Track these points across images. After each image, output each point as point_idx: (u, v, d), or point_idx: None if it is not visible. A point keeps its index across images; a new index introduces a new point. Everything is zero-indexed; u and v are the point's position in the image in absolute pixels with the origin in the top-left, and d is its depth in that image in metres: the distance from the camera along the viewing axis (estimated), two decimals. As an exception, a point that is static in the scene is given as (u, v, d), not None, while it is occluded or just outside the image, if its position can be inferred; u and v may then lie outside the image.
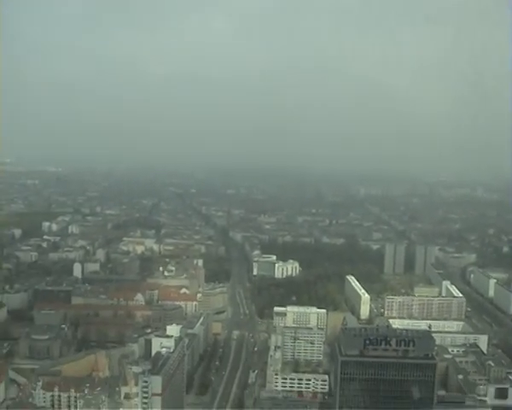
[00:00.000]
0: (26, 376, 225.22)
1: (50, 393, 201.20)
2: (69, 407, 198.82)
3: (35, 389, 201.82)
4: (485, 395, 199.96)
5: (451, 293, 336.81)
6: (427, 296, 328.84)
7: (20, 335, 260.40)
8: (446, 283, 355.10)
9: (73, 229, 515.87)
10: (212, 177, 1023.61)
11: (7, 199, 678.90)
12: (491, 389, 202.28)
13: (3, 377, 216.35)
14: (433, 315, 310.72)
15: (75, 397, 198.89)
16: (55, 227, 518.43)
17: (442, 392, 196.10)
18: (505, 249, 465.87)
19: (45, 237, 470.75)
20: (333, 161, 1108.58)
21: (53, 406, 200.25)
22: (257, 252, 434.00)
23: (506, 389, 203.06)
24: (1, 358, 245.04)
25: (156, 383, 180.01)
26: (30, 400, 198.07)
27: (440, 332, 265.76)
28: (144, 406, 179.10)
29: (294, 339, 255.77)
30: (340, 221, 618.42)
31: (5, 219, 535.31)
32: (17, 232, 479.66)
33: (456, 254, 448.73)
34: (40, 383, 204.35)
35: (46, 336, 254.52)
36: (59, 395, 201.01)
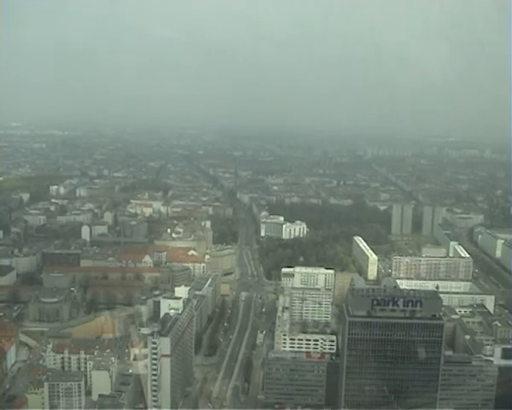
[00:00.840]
0: (36, 338, 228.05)
1: (60, 355, 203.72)
2: (79, 368, 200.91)
3: (45, 352, 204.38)
4: (492, 356, 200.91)
5: (459, 254, 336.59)
6: (434, 257, 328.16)
7: (30, 298, 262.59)
8: (454, 243, 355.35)
9: (81, 192, 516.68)
10: (220, 139, 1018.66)
11: (14, 163, 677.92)
12: (498, 350, 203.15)
13: (14, 340, 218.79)
14: (440, 276, 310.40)
15: (85, 359, 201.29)
16: (62, 191, 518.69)
17: (449, 352, 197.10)
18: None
19: (53, 200, 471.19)
20: (340, 122, 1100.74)
21: (63, 367, 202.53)
22: (264, 213, 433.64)
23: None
24: (11, 321, 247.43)
25: (165, 344, 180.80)
26: (40, 362, 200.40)
27: (448, 293, 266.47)
28: (153, 367, 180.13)
29: (302, 300, 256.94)
30: (348, 182, 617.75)
31: (13, 183, 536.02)
32: (25, 196, 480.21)
33: (464, 215, 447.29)
34: (50, 346, 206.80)
35: (55, 299, 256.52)
36: (69, 357, 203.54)
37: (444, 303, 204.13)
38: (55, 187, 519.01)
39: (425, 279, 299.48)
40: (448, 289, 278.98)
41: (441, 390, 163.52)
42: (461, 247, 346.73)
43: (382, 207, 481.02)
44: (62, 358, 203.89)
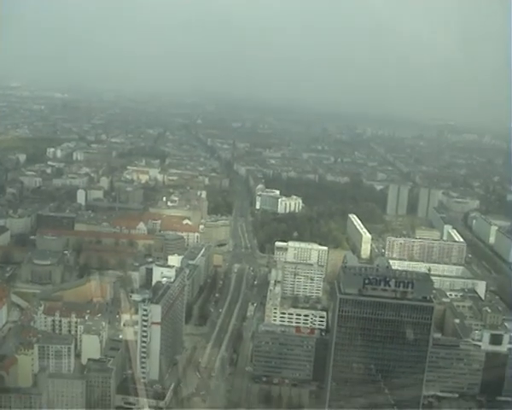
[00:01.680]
0: (27, 300, 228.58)
1: (51, 317, 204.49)
2: (70, 331, 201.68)
3: (36, 314, 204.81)
4: (480, 341, 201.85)
5: (452, 237, 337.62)
6: (428, 239, 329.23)
7: (23, 259, 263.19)
8: (448, 227, 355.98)
9: (78, 156, 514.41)
10: (220, 109, 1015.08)
11: (12, 123, 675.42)
12: (486, 335, 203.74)
13: (6, 301, 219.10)
14: (433, 258, 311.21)
15: (75, 323, 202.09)
16: (59, 153, 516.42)
17: (438, 335, 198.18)
18: (509, 197, 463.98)
19: (50, 163, 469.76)
20: (340, 100, 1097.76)
21: (54, 330, 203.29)
22: (260, 186, 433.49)
23: (501, 336, 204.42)
24: (3, 281, 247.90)
25: (156, 311, 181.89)
26: (31, 323, 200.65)
27: (439, 276, 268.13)
28: (143, 334, 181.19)
29: (294, 275, 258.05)
30: (346, 160, 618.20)
31: (10, 144, 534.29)
32: (22, 157, 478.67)
33: (460, 199, 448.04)
34: (42, 308, 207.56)
35: (48, 262, 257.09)
36: (60, 320, 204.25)
37: (435, 286, 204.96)
38: (53, 150, 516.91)
39: (417, 261, 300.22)
40: (440, 273, 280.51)
41: (428, 372, 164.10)
42: (455, 231, 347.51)
43: (379, 187, 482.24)
44: (53, 320, 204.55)
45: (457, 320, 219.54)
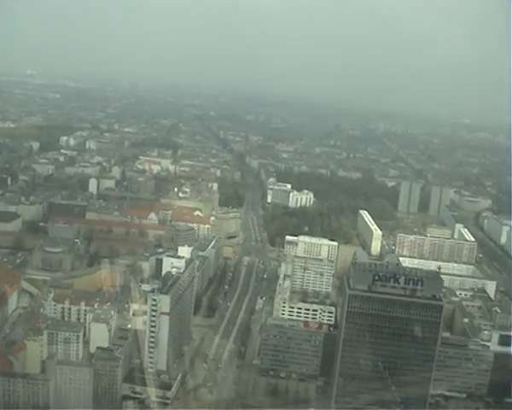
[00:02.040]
0: (38, 287, 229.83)
1: (61, 305, 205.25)
2: (79, 319, 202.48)
3: (46, 300, 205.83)
4: (489, 341, 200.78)
5: (464, 236, 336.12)
6: (439, 238, 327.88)
7: (34, 246, 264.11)
8: (459, 226, 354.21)
9: (91, 145, 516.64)
10: (234, 102, 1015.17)
11: (27, 111, 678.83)
12: (495, 336, 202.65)
13: (16, 287, 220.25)
14: (443, 257, 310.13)
15: (85, 310, 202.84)
16: (72, 142, 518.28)
17: (446, 334, 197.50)
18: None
19: (62, 151, 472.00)
20: (354, 95, 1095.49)
21: (63, 317, 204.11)
22: (272, 180, 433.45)
23: (510, 337, 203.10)
24: (14, 268, 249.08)
25: (165, 302, 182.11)
26: (41, 310, 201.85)
27: (449, 275, 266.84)
28: (152, 324, 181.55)
29: (304, 269, 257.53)
30: (358, 155, 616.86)
31: (24, 131, 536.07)
32: (35, 145, 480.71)
33: (472, 198, 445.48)
34: (51, 295, 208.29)
35: (59, 249, 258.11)
36: (69, 308, 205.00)
37: (445, 285, 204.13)
38: (66, 138, 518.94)
39: (428, 259, 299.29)
40: (450, 271, 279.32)
41: (436, 371, 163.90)
42: (466, 230, 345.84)
43: (391, 184, 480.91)
44: (63, 308, 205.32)
45: (466, 320, 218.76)
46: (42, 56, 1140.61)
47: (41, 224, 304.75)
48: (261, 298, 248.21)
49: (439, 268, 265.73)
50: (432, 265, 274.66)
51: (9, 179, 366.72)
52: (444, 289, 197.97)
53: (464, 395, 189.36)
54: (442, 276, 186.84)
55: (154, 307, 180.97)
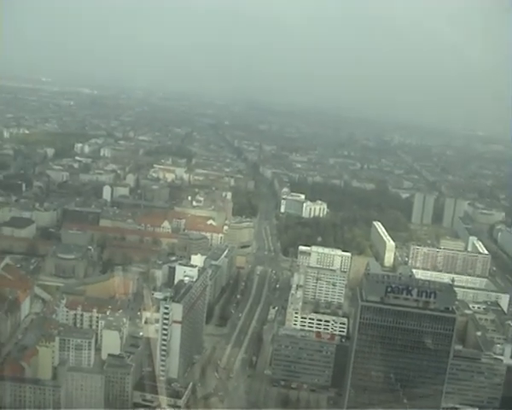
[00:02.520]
0: (50, 293, 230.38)
1: (73, 311, 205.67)
2: (91, 326, 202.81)
3: (59, 307, 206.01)
4: (502, 354, 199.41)
5: (477, 249, 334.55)
6: (452, 250, 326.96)
7: (47, 253, 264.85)
8: (473, 238, 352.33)
9: (105, 152, 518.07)
10: (248, 111, 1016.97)
11: (42, 118, 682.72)
12: (508, 349, 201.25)
13: (29, 293, 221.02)
14: (456, 269, 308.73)
15: (97, 317, 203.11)
16: (87, 149, 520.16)
17: (459, 347, 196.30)
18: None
19: (77, 158, 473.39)
20: (368, 106, 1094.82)
21: (75, 324, 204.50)
22: (286, 190, 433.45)
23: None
24: (27, 273, 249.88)
25: (177, 310, 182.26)
26: (53, 316, 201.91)
27: (463, 287, 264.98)
28: (164, 332, 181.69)
29: (317, 279, 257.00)
30: (372, 166, 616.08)
31: (39, 138, 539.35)
32: (50, 152, 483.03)
33: (486, 211, 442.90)
34: (64, 301, 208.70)
35: (72, 256, 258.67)
36: (81, 314, 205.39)
37: (458, 297, 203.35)
38: (80, 145, 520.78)
39: (441, 271, 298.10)
40: (463, 284, 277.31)
41: (448, 384, 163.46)
42: (480, 243, 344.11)
43: (404, 195, 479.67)
44: (75, 314, 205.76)
45: (479, 333, 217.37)
46: (56, 64, 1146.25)
47: (55, 230, 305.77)
48: (273, 308, 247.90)
49: (453, 280, 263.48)
50: (445, 277, 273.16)
51: (24, 185, 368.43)
52: (457, 302, 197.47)
53: (476, 409, 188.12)
54: (455, 288, 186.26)
55: (167, 316, 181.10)
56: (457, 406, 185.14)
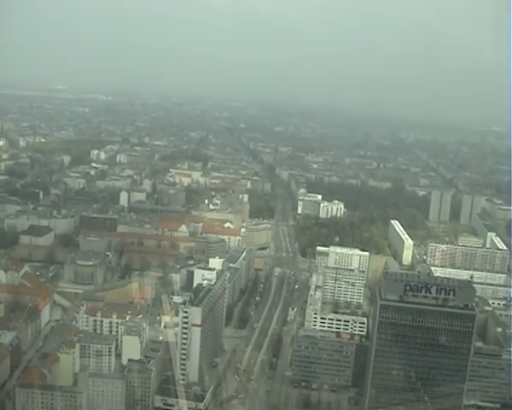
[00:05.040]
0: (70, 300, 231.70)
1: (93, 317, 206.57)
2: (110, 332, 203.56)
3: (78, 313, 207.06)
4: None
5: (496, 245, 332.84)
6: (470, 247, 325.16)
7: (66, 260, 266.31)
8: (491, 234, 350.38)
9: (121, 158, 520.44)
10: (263, 113, 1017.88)
11: (57, 126, 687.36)
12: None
13: (49, 300, 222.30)
14: (475, 266, 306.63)
15: (117, 323, 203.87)
16: (103, 155, 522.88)
17: (479, 343, 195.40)
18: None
19: (93, 164, 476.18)
20: (384, 105, 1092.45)
21: (95, 330, 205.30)
22: (302, 190, 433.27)
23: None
24: (46, 281, 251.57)
25: (196, 314, 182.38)
26: (73, 323, 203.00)
27: (482, 284, 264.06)
28: (183, 336, 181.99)
29: (335, 280, 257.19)
30: (388, 165, 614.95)
31: (55, 146, 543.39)
32: (66, 159, 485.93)
33: (504, 207, 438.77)
34: (83, 308, 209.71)
35: (91, 262, 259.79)
36: (101, 320, 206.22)
37: (477, 294, 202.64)
38: (96, 152, 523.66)
39: (460, 268, 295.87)
40: (483, 281, 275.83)
41: (469, 381, 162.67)
42: (498, 238, 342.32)
43: (421, 193, 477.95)
44: (95, 320, 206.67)
45: (500, 329, 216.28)
46: (71, 72, 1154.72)
47: (73, 237, 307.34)
48: (292, 309, 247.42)
49: (472, 277, 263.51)
50: (464, 274, 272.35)
51: (41, 193, 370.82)
52: (476, 299, 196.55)
53: (498, 406, 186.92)
54: (474, 285, 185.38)
55: (186, 319, 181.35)
56: (479, 403, 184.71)
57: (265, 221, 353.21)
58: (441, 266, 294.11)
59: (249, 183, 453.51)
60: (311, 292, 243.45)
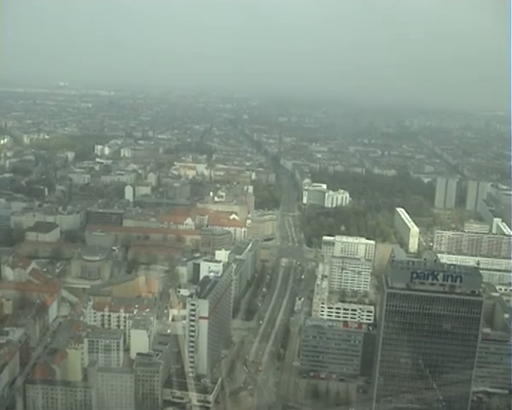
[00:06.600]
0: (77, 295, 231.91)
1: (101, 312, 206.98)
2: (118, 326, 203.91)
3: (86, 309, 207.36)
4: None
5: (502, 231, 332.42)
6: (477, 233, 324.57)
7: (72, 255, 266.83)
8: (497, 220, 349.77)
9: (125, 152, 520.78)
10: (266, 104, 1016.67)
11: (61, 122, 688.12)
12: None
13: (56, 296, 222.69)
14: (482, 252, 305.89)
15: (124, 317, 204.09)
16: (107, 150, 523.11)
17: (487, 330, 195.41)
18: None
19: (98, 160, 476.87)
20: (387, 92, 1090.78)
21: (103, 325, 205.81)
22: (307, 180, 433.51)
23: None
24: (54, 277, 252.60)
25: (203, 306, 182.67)
26: (81, 318, 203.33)
27: (489, 270, 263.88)
28: (191, 328, 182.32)
29: (342, 269, 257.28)
30: (393, 153, 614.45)
31: (59, 142, 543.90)
32: (70, 155, 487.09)
33: (509, 192, 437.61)
34: (91, 303, 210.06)
35: (97, 258, 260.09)
36: (109, 315, 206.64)
37: (484, 280, 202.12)
38: (100, 147, 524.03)
39: (466, 255, 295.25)
40: (489, 266, 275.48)
41: (477, 368, 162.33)
42: (504, 224, 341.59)
43: (426, 180, 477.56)
44: (102, 315, 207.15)
45: (507, 315, 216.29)
46: (73, 67, 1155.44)
47: (79, 233, 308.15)
48: (299, 299, 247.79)
49: (478, 263, 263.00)
50: (470, 260, 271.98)
51: (46, 190, 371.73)
52: (483, 285, 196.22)
53: (507, 392, 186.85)
54: (481, 271, 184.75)
55: (193, 312, 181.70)
56: (488, 389, 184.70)
57: (271, 212, 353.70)
58: (448, 253, 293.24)
59: (254, 174, 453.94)
60: (318, 282, 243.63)
